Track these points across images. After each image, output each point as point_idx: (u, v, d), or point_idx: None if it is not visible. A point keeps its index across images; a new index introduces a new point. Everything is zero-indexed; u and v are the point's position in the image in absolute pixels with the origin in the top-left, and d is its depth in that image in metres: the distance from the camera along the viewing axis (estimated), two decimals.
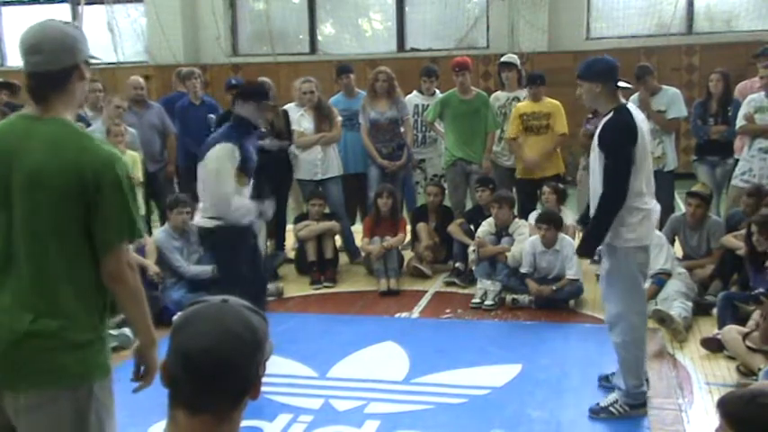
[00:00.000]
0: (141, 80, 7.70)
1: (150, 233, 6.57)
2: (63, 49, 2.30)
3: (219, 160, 4.55)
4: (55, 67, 2.29)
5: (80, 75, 2.36)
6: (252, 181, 4.81)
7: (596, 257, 7.10)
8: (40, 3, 14.90)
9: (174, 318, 1.58)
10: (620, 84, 4.01)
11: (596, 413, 4.10)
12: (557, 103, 7.03)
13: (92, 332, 2.35)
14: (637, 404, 4.08)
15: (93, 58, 2.43)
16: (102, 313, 2.41)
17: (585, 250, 4.40)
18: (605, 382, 4.41)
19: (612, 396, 4.13)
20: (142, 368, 2.54)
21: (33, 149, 2.27)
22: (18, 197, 2.27)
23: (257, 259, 5.02)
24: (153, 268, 5.83)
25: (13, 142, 2.29)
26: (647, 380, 4.24)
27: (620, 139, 3.88)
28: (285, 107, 7.20)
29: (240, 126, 4.71)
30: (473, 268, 6.48)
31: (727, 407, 2.09)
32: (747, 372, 4.52)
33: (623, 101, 4.04)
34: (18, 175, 2.26)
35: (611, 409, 4.08)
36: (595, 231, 4.04)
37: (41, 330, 2.27)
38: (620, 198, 3.88)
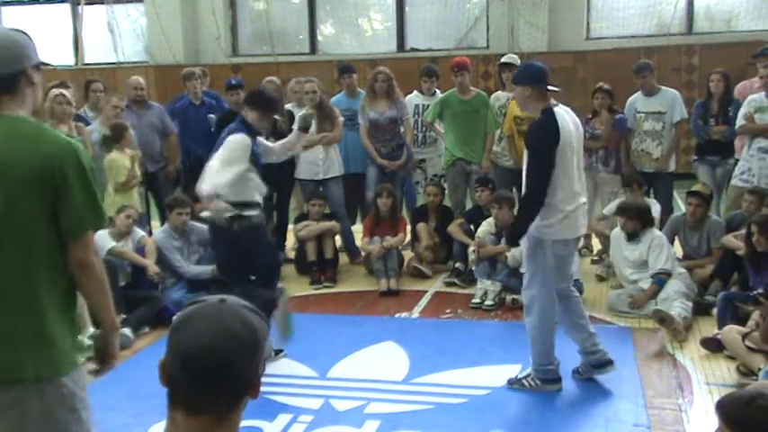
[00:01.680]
0: (141, 80, 7.69)
1: (150, 233, 6.57)
2: (10, 55, 2.35)
3: (235, 146, 4.65)
4: (2, 71, 2.34)
5: (28, 80, 2.39)
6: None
7: (596, 257, 7.15)
8: (39, 3, 14.90)
9: (174, 317, 1.58)
10: (550, 87, 4.25)
11: (511, 384, 4.49)
12: None
13: (59, 324, 2.36)
14: (547, 379, 4.43)
15: (43, 64, 2.48)
16: (71, 303, 2.42)
17: (510, 240, 5.10)
18: (577, 375, 4.60)
19: (527, 370, 4.49)
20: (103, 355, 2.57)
21: None
22: None
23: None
24: (153, 268, 5.83)
25: None
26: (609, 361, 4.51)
27: (542, 140, 4.14)
28: (287, 107, 7.20)
29: (248, 126, 4.82)
30: (473, 268, 6.48)
31: (726, 409, 2.09)
32: (747, 372, 4.52)
33: (553, 104, 4.25)
34: None
35: (523, 381, 4.47)
36: (520, 224, 4.37)
37: (10, 325, 2.28)
38: (540, 195, 4.16)
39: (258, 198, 4.82)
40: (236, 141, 4.67)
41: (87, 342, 2.55)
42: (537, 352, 4.44)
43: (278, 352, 4.97)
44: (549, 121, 4.14)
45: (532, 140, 4.24)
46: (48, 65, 2.61)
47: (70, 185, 2.31)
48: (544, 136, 4.13)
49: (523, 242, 4.42)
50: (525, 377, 4.47)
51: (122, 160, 6.49)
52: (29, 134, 2.34)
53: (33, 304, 2.31)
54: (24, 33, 2.44)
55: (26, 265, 2.31)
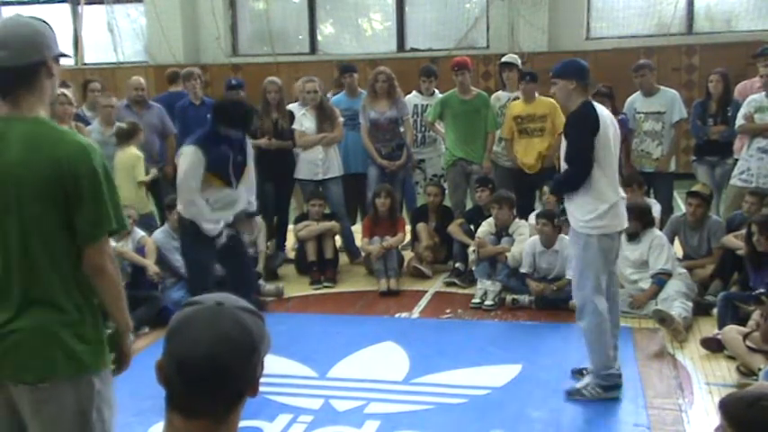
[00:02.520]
0: (142, 80, 7.69)
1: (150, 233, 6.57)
2: (29, 44, 2.29)
3: (184, 159, 4.79)
4: (20, 62, 2.27)
5: (48, 71, 2.34)
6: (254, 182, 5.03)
7: None
8: (39, 3, 14.90)
9: (171, 319, 1.57)
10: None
11: (571, 394, 4.30)
12: (551, 101, 6.94)
13: (85, 325, 2.36)
14: (608, 386, 4.26)
15: (63, 55, 2.42)
16: (95, 305, 2.42)
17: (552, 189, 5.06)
18: (578, 375, 4.54)
19: (587, 378, 4.32)
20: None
21: (8, 148, 2.27)
22: (0, 199, 2.27)
23: (238, 262, 5.07)
24: (153, 268, 5.83)
25: None
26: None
27: (582, 129, 4.16)
28: (288, 107, 7.20)
29: (211, 134, 4.82)
30: (473, 268, 6.48)
31: (729, 408, 2.09)
32: (747, 372, 4.52)
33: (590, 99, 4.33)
34: None
35: (583, 391, 4.29)
36: (559, 183, 4.53)
37: (35, 326, 2.28)
38: (579, 180, 4.17)
39: (208, 225, 4.87)
40: (182, 160, 4.80)
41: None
42: (596, 357, 4.28)
43: None
44: (589, 110, 4.17)
45: (571, 129, 4.25)
46: (67, 56, 2.54)
47: (82, 189, 2.28)
48: (584, 124, 4.15)
49: (569, 246, 4.42)
50: (585, 386, 4.29)
51: (137, 157, 6.65)
52: (44, 138, 2.30)
53: (63, 305, 2.31)
54: (44, 22, 2.37)
55: (52, 267, 2.30)
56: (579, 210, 4.23)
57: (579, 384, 4.34)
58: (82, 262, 2.35)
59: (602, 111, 4.25)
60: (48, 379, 2.30)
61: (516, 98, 7.23)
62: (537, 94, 7.00)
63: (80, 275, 2.36)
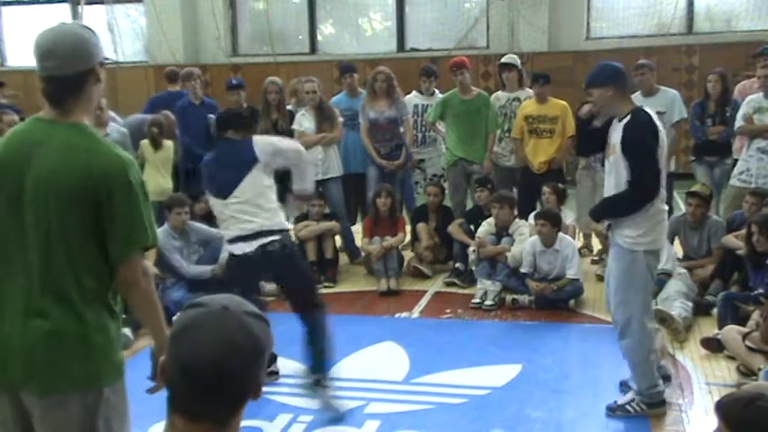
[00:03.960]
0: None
1: None
2: (77, 53, 2.29)
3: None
4: (70, 71, 2.28)
5: (96, 78, 2.34)
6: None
7: (596, 257, 7.14)
8: (39, 3, 14.89)
9: (174, 318, 1.57)
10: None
11: (613, 411, 4.13)
12: (564, 104, 6.99)
13: (102, 335, 2.35)
14: (653, 403, 4.09)
15: (106, 59, 2.41)
16: (113, 315, 2.41)
17: (595, 213, 4.28)
18: (625, 388, 4.36)
19: (630, 395, 4.15)
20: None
21: (47, 154, 2.27)
22: (30, 202, 2.26)
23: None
24: (151, 269, 5.81)
25: (28, 147, 2.29)
26: (668, 376, 4.33)
27: (645, 138, 3.81)
28: (288, 107, 7.20)
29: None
30: (473, 268, 6.48)
31: (726, 410, 2.09)
32: (747, 372, 4.52)
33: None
34: (30, 181, 2.26)
35: (627, 407, 4.11)
36: (613, 208, 4.01)
37: (53, 334, 2.27)
38: (649, 194, 3.84)
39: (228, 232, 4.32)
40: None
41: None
42: (641, 375, 4.08)
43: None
44: (647, 118, 3.86)
45: (633, 139, 3.81)
46: (108, 59, 2.52)
47: (115, 202, 2.25)
48: (646, 133, 3.80)
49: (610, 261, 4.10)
50: (629, 402, 4.11)
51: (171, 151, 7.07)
52: (82, 146, 2.28)
53: (76, 316, 2.29)
54: (89, 29, 2.37)
55: (74, 277, 2.28)
56: (633, 225, 3.93)
57: (622, 401, 4.15)
58: (112, 272, 2.33)
59: (655, 118, 3.95)
60: (57, 391, 2.29)
61: (516, 98, 7.25)
62: (549, 97, 7.02)
63: (101, 287, 2.34)
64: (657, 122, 3.91)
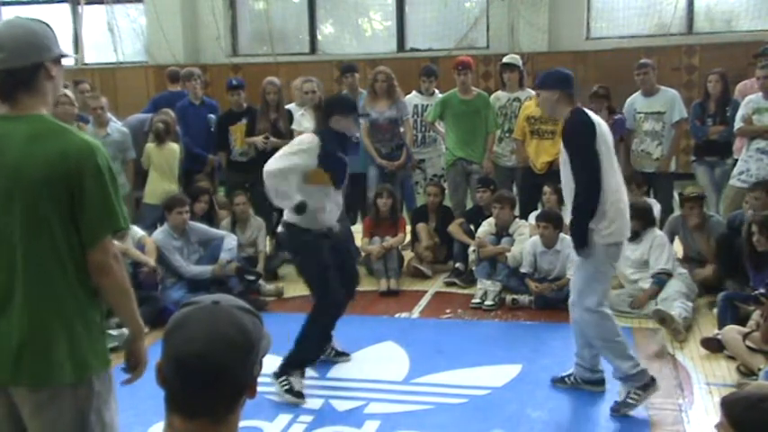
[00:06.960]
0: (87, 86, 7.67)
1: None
2: (26, 46, 2.27)
3: None
4: (18, 64, 2.26)
5: (47, 73, 2.32)
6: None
7: None
8: (39, 3, 14.89)
9: (169, 320, 1.57)
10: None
11: (616, 410, 4.11)
12: None
13: (87, 325, 2.35)
14: (645, 384, 4.08)
15: (64, 56, 2.39)
16: (96, 305, 2.40)
17: (579, 253, 4.21)
18: (559, 384, 4.46)
19: (623, 388, 4.15)
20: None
21: (11, 147, 2.26)
22: (3, 196, 2.26)
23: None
24: (150, 264, 5.79)
25: None
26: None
27: (581, 136, 4.02)
28: (287, 107, 7.19)
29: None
30: (473, 268, 6.48)
31: (730, 408, 2.09)
32: (747, 372, 4.52)
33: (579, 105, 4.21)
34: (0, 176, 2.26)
35: (627, 400, 4.10)
36: (577, 232, 4.11)
37: (37, 327, 2.27)
38: (593, 195, 3.98)
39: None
40: None
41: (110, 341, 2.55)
42: (620, 361, 4.11)
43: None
44: (582, 116, 4.07)
45: (570, 138, 4.07)
46: (68, 56, 2.51)
47: (86, 187, 2.26)
48: (581, 131, 4.02)
49: (571, 250, 4.20)
50: (627, 396, 4.10)
51: (177, 152, 6.95)
52: (48, 134, 2.28)
53: (61, 306, 2.30)
54: (44, 23, 2.36)
55: (51, 268, 2.28)
56: (594, 219, 4.03)
57: (619, 399, 4.13)
58: (87, 261, 2.33)
59: (593, 114, 4.16)
60: (47, 384, 2.29)
61: (516, 99, 7.26)
62: None
63: (84, 275, 2.34)
64: (594, 118, 4.10)
